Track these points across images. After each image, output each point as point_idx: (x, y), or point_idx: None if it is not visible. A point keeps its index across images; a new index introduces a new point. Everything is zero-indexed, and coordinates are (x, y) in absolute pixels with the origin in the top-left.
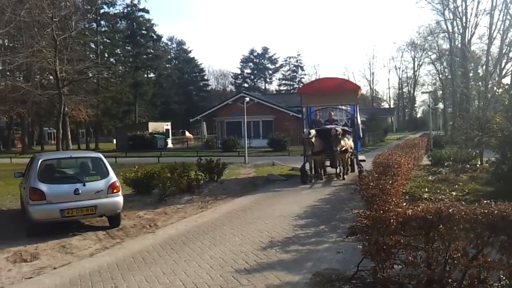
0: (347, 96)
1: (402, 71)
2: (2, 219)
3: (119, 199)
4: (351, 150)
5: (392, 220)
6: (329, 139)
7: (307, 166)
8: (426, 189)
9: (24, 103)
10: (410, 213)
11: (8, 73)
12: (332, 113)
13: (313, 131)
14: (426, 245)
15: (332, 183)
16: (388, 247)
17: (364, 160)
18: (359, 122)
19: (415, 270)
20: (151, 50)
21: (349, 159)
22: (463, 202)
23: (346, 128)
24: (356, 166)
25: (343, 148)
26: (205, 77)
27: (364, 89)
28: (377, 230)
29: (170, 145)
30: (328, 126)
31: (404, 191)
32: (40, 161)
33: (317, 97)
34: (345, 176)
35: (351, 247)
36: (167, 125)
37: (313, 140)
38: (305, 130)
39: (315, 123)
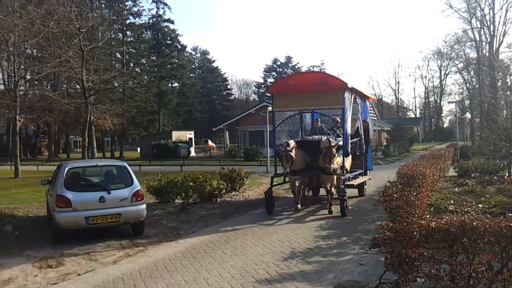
0: (331, 95)
1: (428, 80)
2: (29, 225)
3: (143, 207)
4: (340, 171)
5: (415, 233)
6: (316, 153)
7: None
8: (452, 201)
9: (51, 111)
10: (433, 226)
11: (36, 82)
12: (338, 119)
13: (292, 142)
14: (450, 258)
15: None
16: (411, 259)
17: (363, 184)
18: (371, 129)
19: (438, 283)
20: (176, 60)
21: (336, 183)
22: (488, 215)
23: (338, 140)
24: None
25: (334, 168)
26: (228, 86)
27: (389, 98)
28: (400, 242)
29: (193, 153)
30: (315, 137)
31: (429, 203)
32: (66, 169)
33: (293, 97)
34: (332, 208)
35: (373, 259)
36: (190, 134)
37: (292, 153)
38: (281, 141)
39: (314, 132)
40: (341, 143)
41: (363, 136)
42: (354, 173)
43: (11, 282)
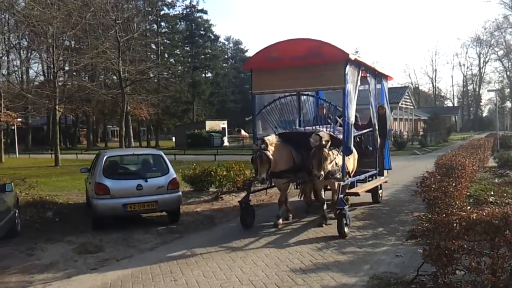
0: (327, 71)
1: (467, 68)
2: (69, 212)
3: (178, 195)
4: (339, 173)
5: (455, 224)
6: (309, 150)
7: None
8: (492, 192)
9: (89, 102)
10: (474, 217)
11: (74, 73)
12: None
13: (272, 137)
14: (491, 251)
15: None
16: (450, 252)
17: (377, 187)
18: (388, 118)
19: (479, 276)
20: (209, 50)
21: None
22: None
23: (336, 133)
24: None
25: (328, 170)
26: None
27: (426, 87)
28: (439, 234)
29: (226, 143)
30: (308, 129)
31: (468, 194)
32: (105, 157)
33: (277, 74)
34: (325, 222)
35: (410, 250)
36: (223, 124)
37: (269, 153)
38: (267, 133)
39: (319, 120)
40: (340, 136)
41: (377, 127)
42: (364, 175)
43: (52, 267)
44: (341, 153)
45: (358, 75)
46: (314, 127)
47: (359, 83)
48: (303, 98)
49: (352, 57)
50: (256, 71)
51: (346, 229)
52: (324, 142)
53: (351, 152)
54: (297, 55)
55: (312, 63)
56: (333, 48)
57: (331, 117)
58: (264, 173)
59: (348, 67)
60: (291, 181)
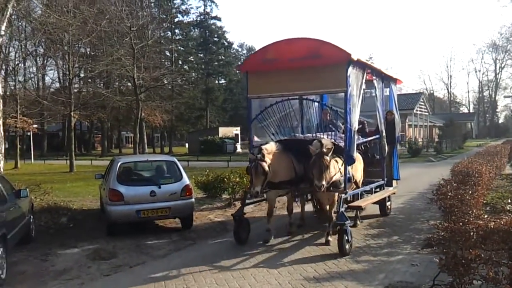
0: (327, 73)
1: (483, 73)
2: (83, 218)
3: (191, 201)
4: (342, 184)
5: (472, 233)
6: (308, 159)
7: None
8: (509, 200)
9: (104, 108)
10: (492, 226)
11: (89, 80)
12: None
13: (270, 146)
14: (509, 261)
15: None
16: (467, 261)
17: (385, 199)
18: (397, 124)
19: (497, 287)
20: (223, 57)
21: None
22: None
23: (338, 140)
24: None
25: (332, 181)
26: None
27: (441, 93)
28: (456, 243)
29: (239, 149)
30: (308, 136)
31: (485, 202)
32: (119, 164)
33: (273, 77)
34: (329, 238)
35: (426, 259)
36: (236, 130)
37: (265, 164)
38: (254, 142)
39: (322, 126)
40: (342, 143)
41: (384, 133)
42: (370, 186)
43: (66, 273)
44: (341, 159)
45: (363, 77)
46: (315, 134)
47: (363, 86)
48: (305, 103)
49: (355, 57)
50: (251, 74)
51: (347, 247)
52: (325, 150)
53: (353, 161)
54: (296, 56)
55: (311, 65)
56: (334, 48)
57: (335, 123)
58: (258, 186)
59: (350, 69)
60: (291, 192)
